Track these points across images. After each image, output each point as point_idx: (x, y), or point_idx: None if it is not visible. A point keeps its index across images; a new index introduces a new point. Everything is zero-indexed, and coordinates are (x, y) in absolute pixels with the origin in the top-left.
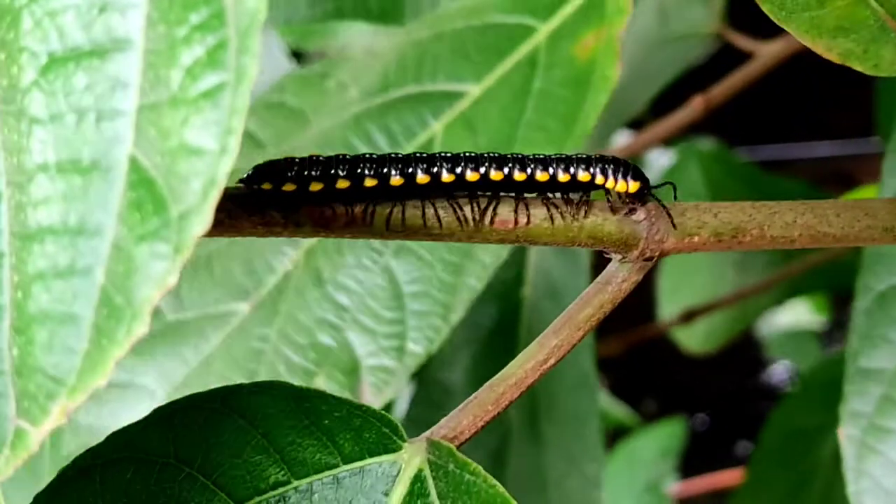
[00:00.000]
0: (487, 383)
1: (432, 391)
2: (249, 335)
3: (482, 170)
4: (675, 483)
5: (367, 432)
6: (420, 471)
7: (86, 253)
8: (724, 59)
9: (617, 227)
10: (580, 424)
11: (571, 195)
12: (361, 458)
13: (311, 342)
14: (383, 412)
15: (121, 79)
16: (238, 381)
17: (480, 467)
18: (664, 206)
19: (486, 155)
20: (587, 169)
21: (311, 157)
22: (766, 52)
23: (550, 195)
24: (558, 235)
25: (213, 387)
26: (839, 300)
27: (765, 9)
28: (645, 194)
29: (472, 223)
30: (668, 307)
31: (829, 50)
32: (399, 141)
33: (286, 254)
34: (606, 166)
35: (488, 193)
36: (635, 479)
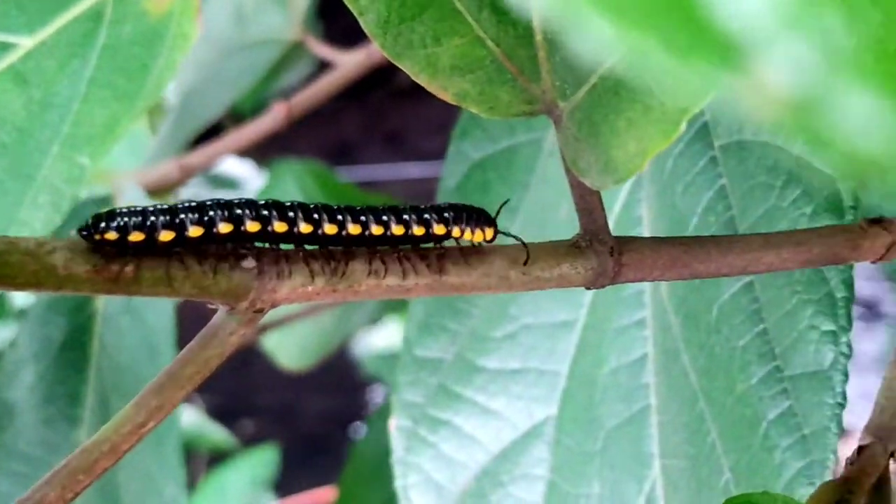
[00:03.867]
0: (79, 449)
1: None
2: None
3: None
4: None
5: None
6: None
7: None
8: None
9: (224, 277)
10: (157, 442)
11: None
12: None
13: None
14: None
15: None
16: None
17: None
18: (278, 252)
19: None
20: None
21: (156, 205)
22: (347, 62)
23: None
24: (160, 286)
25: None
26: None
27: (377, 44)
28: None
29: None
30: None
31: (444, 90)
32: None
33: None
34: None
35: None
36: None
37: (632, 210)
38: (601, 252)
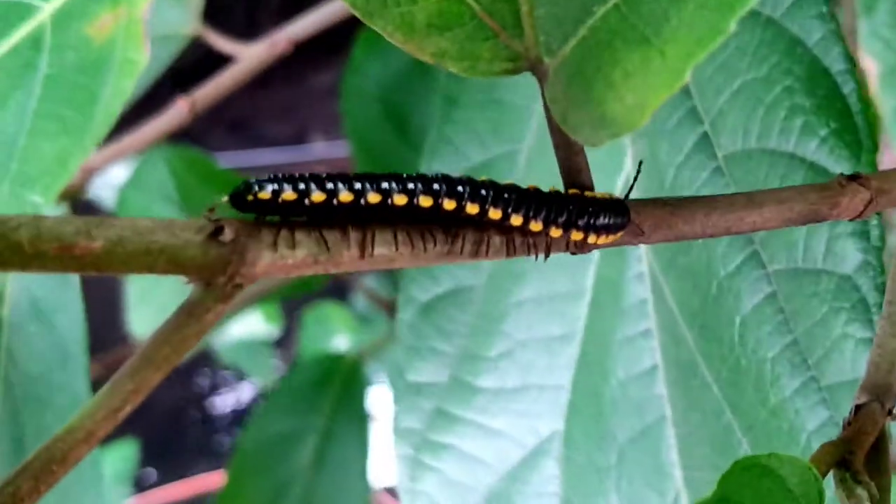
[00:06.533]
0: (52, 438)
1: None
2: None
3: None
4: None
5: None
6: None
7: None
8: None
9: (201, 250)
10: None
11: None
12: None
13: None
14: None
15: None
16: None
17: None
18: (256, 223)
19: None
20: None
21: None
22: (249, 55)
23: None
24: (131, 262)
25: None
26: (287, 307)
27: (347, 4)
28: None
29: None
30: (138, 316)
31: (421, 50)
32: None
33: None
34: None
35: None
36: None
37: None
38: None
